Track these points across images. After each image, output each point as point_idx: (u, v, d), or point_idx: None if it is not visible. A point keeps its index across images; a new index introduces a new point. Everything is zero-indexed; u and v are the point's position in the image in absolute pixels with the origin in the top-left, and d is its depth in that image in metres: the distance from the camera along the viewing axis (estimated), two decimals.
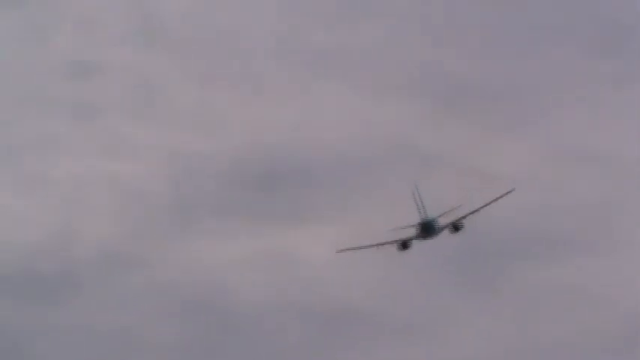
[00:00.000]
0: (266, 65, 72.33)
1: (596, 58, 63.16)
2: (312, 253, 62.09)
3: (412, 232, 38.71)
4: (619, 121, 61.86)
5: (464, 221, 38.12)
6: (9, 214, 66.05)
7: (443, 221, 38.56)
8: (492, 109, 64.51)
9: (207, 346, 59.83)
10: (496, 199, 36.82)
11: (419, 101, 65.02)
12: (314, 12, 71.90)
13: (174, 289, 62.97)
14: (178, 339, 61.31)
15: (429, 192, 37.75)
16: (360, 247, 38.38)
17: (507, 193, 36.99)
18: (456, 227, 38.80)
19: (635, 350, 55.31)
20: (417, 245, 38.63)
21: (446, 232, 38.84)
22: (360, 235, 50.13)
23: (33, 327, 60.20)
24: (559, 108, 63.13)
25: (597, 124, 62.41)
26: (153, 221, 66.03)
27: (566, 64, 64.53)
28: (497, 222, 58.57)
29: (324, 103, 68.52)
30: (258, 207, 64.14)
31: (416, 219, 38.02)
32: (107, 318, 62.73)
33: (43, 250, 64.16)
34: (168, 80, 73.75)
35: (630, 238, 59.09)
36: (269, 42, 72.86)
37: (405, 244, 39.01)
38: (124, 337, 61.40)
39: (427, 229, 38.03)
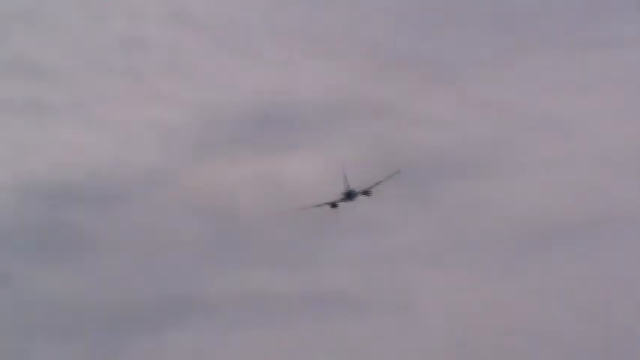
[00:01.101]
0: (262, 41, 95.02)
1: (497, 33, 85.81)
2: (297, 175, 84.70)
3: (339, 196, 52.73)
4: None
5: (371, 190, 52.24)
6: (81, 146, 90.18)
7: (358, 190, 52.26)
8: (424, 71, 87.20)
9: (218, 241, 79.45)
10: (386, 179, 50.98)
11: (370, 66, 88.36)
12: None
13: (198, 199, 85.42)
14: (199, 235, 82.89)
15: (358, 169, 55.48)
16: (312, 206, 51.54)
17: (394, 174, 50.60)
18: (366, 193, 53.00)
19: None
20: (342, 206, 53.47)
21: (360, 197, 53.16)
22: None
23: (100, 223, 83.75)
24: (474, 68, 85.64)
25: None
26: (181, 151, 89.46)
27: (479, 37, 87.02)
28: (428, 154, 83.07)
29: (302, 70, 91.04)
30: (257, 141, 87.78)
31: (342, 190, 52.96)
32: (150, 220, 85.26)
33: (104, 170, 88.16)
34: (194, 51, 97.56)
35: (521, 165, 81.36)
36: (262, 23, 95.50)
37: (334, 205, 53.33)
38: (163, 236, 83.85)
39: (349, 196, 52.66)
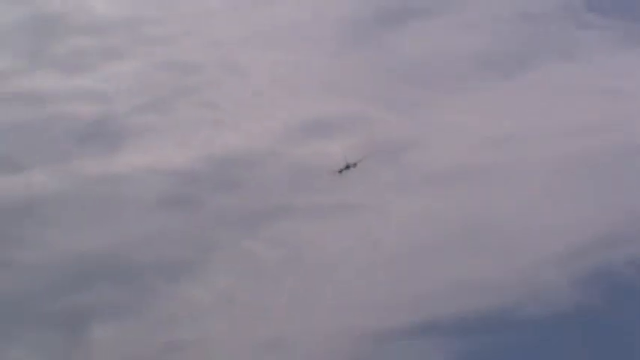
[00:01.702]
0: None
1: None
2: None
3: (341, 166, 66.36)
4: None
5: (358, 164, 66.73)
6: None
7: (351, 163, 66.31)
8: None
9: None
10: (365, 157, 66.52)
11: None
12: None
13: None
14: None
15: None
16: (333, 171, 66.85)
17: (366, 157, 67.74)
18: (355, 165, 65.91)
19: None
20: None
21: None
22: None
23: None
24: None
25: None
26: None
27: None
28: None
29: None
30: None
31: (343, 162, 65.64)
32: None
33: None
34: None
35: None
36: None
37: (340, 171, 66.43)
38: None
39: (347, 167, 65.82)
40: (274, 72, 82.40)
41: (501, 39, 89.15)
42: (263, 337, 54.85)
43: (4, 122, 70.97)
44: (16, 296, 54.95)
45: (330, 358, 56.81)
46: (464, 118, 78.82)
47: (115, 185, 66.69)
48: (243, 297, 57.85)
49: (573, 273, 60.91)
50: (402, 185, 70.09)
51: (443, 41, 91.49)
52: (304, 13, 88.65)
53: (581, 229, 64.42)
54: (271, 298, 57.45)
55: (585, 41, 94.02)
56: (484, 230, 68.01)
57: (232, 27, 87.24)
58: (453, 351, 56.06)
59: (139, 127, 71.29)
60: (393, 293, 58.68)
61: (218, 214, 63.94)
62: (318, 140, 69.45)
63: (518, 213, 69.52)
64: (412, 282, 60.17)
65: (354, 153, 66.63)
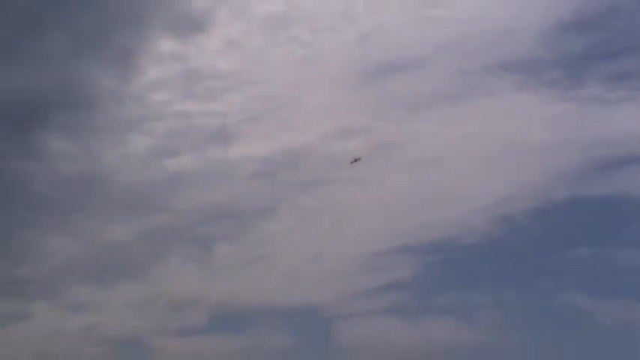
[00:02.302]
0: None
1: None
2: None
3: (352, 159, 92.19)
4: None
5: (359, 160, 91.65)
6: None
7: (357, 157, 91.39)
8: None
9: None
10: (357, 160, 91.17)
11: None
12: None
13: None
14: None
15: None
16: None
17: (356, 160, 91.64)
18: (359, 159, 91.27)
19: None
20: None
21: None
22: None
23: None
24: None
25: None
26: None
27: None
28: None
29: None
30: None
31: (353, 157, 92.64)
32: None
33: None
34: None
35: None
36: None
37: (352, 162, 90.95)
38: None
39: (355, 160, 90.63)
40: (318, 101, 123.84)
41: (448, 82, 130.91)
42: (310, 253, 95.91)
43: (167, 129, 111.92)
44: (174, 229, 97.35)
45: (348, 265, 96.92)
46: (427, 128, 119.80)
47: (228, 165, 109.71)
48: (299, 230, 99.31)
49: (492, 218, 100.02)
50: (388, 168, 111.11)
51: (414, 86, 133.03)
52: (335, 69, 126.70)
53: (495, 194, 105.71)
54: (314, 231, 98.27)
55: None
56: (440, 194, 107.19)
57: (294, 75, 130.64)
58: (418, 263, 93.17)
59: (242, 132, 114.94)
60: (384, 230, 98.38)
61: (285, 182, 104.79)
62: (342, 141, 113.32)
63: (458, 184, 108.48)
64: (395, 223, 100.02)
65: (362, 148, 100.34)
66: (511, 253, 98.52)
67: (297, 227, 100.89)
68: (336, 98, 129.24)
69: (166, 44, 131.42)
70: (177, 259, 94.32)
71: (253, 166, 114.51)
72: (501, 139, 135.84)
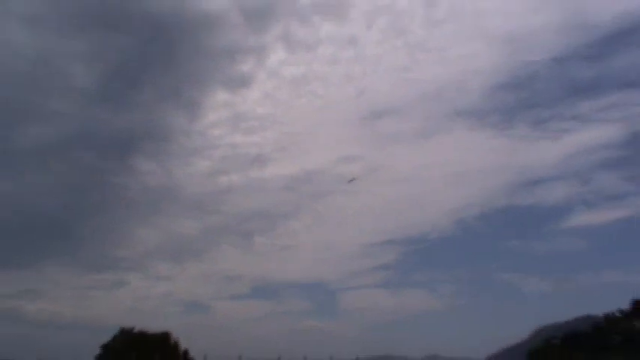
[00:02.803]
0: None
1: None
2: None
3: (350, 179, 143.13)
4: None
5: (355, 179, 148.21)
6: None
7: (353, 178, 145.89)
8: None
9: None
10: (353, 179, 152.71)
11: None
12: None
13: None
14: None
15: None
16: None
17: (353, 180, 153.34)
18: (355, 179, 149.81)
19: None
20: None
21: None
22: None
23: None
24: None
25: None
26: None
27: None
28: None
29: None
30: None
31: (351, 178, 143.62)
32: None
33: None
34: None
35: None
36: None
37: (349, 181, 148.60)
38: None
39: (352, 180, 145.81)
40: (328, 136, 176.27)
41: (419, 123, 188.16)
42: (321, 244, 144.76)
43: (221, 155, 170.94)
44: (225, 225, 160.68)
45: (348, 252, 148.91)
46: (404, 155, 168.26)
47: (263, 181, 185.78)
48: (314, 228, 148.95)
49: (451, 219, 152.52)
50: (377, 184, 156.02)
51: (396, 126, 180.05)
52: (340, 113, 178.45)
53: (453, 202, 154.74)
54: (324, 228, 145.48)
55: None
56: (414, 202, 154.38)
57: (311, 118, 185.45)
58: (399, 251, 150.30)
59: (273, 158, 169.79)
60: (374, 228, 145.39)
61: (304, 193, 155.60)
62: (345, 165, 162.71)
63: (427, 195, 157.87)
64: (382, 223, 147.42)
65: (359, 170, 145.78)
66: (464, 245, 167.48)
67: (312, 225, 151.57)
68: (340, 134, 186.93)
69: (221, 95, 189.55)
70: (228, 246, 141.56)
71: (282, 182, 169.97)
72: (457, 164, 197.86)
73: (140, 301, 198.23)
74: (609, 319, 71.40)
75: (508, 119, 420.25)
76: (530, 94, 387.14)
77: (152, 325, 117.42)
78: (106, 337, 65.91)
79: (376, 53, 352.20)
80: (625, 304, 69.97)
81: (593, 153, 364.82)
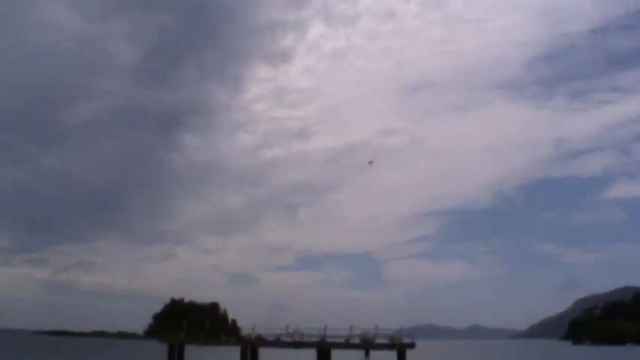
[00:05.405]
0: None
1: None
2: None
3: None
4: None
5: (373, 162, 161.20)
6: None
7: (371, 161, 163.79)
8: None
9: None
10: (372, 162, 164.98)
11: None
12: None
13: None
14: None
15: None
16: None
17: (372, 162, 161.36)
18: (371, 162, 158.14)
19: None
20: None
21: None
22: None
23: None
24: None
25: None
26: None
27: None
28: None
29: None
30: None
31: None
32: None
33: None
34: None
35: None
36: None
37: (369, 163, 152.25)
38: None
39: (370, 163, 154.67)
40: (369, 109, 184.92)
41: (458, 96, 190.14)
42: (364, 216, 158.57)
43: (264, 129, 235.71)
44: (270, 198, 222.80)
45: (390, 224, 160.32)
46: (444, 128, 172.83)
47: (306, 154, 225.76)
48: (357, 200, 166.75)
49: (490, 191, 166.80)
50: (417, 156, 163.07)
51: (435, 99, 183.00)
52: (380, 87, 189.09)
53: (491, 174, 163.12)
54: (367, 200, 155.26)
55: None
56: (453, 175, 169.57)
57: (352, 91, 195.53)
58: (439, 223, 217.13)
59: (316, 131, 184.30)
60: (416, 199, 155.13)
61: (346, 166, 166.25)
62: (386, 137, 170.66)
63: (466, 167, 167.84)
64: (423, 195, 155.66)
65: (400, 143, 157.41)
66: (504, 216, 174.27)
67: (355, 197, 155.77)
68: (381, 107, 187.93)
69: (263, 70, 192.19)
70: (273, 219, 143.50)
71: (324, 154, 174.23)
72: (495, 136, 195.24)
73: (188, 273, 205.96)
74: None
75: (546, 91, 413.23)
76: (569, 66, 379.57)
77: (200, 295, 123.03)
78: (157, 307, 68.76)
79: (415, 26, 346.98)
80: None
81: (632, 124, 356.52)
